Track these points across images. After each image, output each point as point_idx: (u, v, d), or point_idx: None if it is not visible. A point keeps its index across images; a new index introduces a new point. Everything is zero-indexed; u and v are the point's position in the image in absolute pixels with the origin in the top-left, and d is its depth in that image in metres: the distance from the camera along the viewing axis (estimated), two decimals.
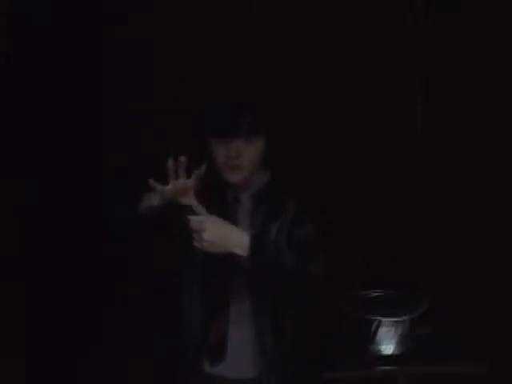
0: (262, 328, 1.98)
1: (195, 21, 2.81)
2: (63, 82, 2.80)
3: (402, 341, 2.46)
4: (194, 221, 1.74)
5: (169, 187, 1.74)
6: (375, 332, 2.43)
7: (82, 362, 2.84)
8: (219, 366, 2.01)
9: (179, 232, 1.88)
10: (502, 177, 2.81)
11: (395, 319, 2.45)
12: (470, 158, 2.84)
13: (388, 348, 2.46)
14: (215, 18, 2.80)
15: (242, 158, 1.90)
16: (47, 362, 2.79)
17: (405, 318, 2.45)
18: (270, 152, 1.98)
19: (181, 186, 1.75)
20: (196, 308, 2.01)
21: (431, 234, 2.88)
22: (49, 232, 2.82)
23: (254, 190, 2.01)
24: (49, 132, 2.80)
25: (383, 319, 2.44)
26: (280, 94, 2.65)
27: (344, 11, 2.82)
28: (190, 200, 1.78)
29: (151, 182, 1.73)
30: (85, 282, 2.87)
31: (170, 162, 1.72)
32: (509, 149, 2.82)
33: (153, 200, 1.84)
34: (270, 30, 2.80)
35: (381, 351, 2.46)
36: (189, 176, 1.77)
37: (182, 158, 1.72)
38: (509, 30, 2.75)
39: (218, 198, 1.89)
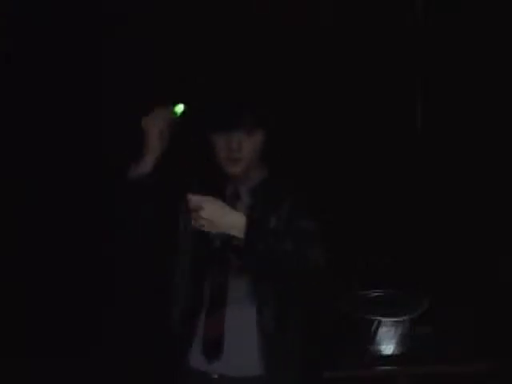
0: (263, 326, 1.98)
1: (195, 19, 2.81)
2: (63, 82, 2.80)
3: (402, 341, 2.46)
4: (193, 199, 1.76)
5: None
6: (375, 332, 2.43)
7: (82, 362, 2.85)
8: (218, 365, 2.01)
9: (175, 229, 1.90)
10: (501, 177, 2.81)
11: (395, 319, 2.44)
12: (469, 159, 2.84)
13: (388, 348, 2.46)
14: (216, 17, 2.80)
15: (242, 150, 1.92)
16: (47, 362, 2.79)
17: (405, 318, 2.45)
18: (270, 148, 2.00)
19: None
20: (191, 304, 2.01)
21: (431, 234, 2.87)
22: (49, 232, 2.82)
23: (253, 184, 2.03)
24: (49, 132, 2.80)
25: (383, 319, 2.44)
26: (281, 91, 2.66)
27: (344, 11, 2.82)
28: None
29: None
30: (84, 282, 2.87)
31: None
32: (509, 149, 2.82)
33: (142, 167, 1.88)
34: (272, 27, 2.80)
35: (381, 351, 2.46)
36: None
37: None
38: (509, 30, 2.75)
39: (217, 193, 1.90)
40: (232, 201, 2.00)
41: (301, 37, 2.81)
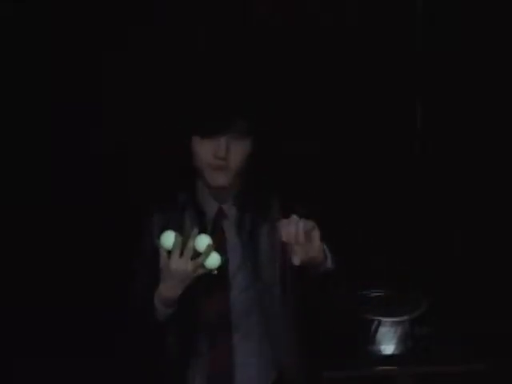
0: (271, 335, 1.90)
1: (184, 25, 2.79)
2: (63, 83, 2.80)
3: (402, 341, 2.46)
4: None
5: None
6: (375, 332, 2.44)
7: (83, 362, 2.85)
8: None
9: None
10: (501, 178, 2.82)
11: (395, 319, 2.45)
12: (469, 160, 2.84)
13: (388, 348, 2.46)
14: (203, 22, 2.79)
15: (228, 158, 1.76)
16: (47, 362, 2.79)
17: (405, 318, 2.46)
18: (260, 156, 1.91)
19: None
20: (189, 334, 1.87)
21: (431, 234, 2.88)
22: (49, 232, 2.83)
23: (232, 197, 1.89)
24: (49, 132, 2.81)
25: (383, 319, 2.44)
26: (276, 96, 2.65)
27: (343, 11, 2.82)
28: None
29: None
30: (85, 284, 2.87)
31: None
32: (509, 151, 2.82)
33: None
34: (273, 27, 2.80)
35: (381, 351, 2.46)
36: None
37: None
38: (508, 32, 2.75)
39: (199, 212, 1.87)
40: (218, 218, 1.89)
41: (293, 38, 2.80)
